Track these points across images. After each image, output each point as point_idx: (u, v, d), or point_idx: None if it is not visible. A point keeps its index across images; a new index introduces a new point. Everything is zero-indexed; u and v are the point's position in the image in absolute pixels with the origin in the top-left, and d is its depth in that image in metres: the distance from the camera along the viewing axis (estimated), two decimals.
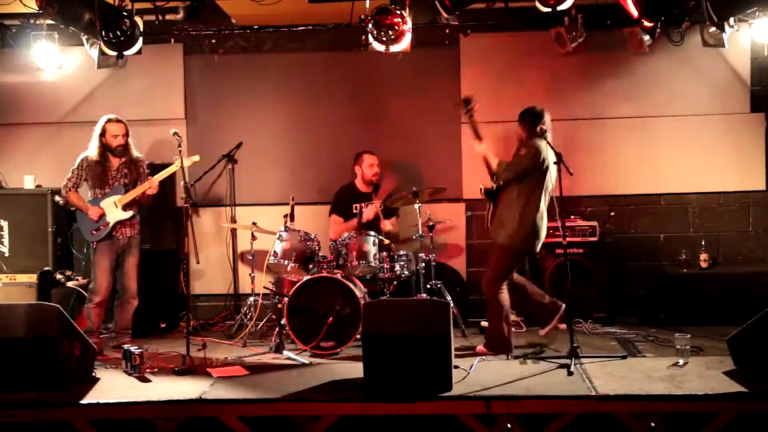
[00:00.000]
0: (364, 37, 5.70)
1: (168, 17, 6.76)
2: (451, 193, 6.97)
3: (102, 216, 6.01)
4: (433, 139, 7.28)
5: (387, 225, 6.72)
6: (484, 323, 6.73)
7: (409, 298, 6.12)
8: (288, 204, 6.31)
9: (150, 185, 6.06)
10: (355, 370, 4.77)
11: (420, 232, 6.40)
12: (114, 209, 6.03)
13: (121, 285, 6.15)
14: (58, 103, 7.34)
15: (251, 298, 6.72)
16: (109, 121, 6.09)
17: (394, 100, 7.28)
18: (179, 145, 5.53)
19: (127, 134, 6.11)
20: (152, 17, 6.48)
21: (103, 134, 6.07)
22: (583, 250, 6.71)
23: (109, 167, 6.10)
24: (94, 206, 6.04)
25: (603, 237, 6.88)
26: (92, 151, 6.10)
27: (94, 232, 6.04)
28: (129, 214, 6.07)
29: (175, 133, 5.61)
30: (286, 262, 6.10)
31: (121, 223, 6.06)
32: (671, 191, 7.19)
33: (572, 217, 6.87)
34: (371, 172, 6.70)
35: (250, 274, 6.75)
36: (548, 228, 5.71)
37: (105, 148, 6.08)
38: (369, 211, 6.56)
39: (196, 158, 6.28)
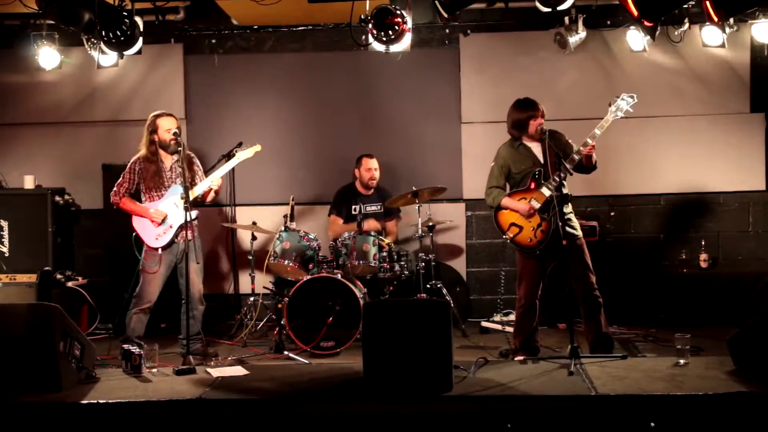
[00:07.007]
0: (364, 37, 5.70)
1: (168, 17, 6.79)
2: (451, 193, 6.97)
3: (164, 219, 5.62)
4: (433, 139, 7.28)
5: (388, 227, 6.73)
6: (485, 323, 6.75)
7: (409, 298, 6.12)
8: (288, 204, 6.30)
9: (214, 182, 5.65)
10: (355, 370, 4.76)
11: (420, 232, 6.39)
12: (175, 210, 5.60)
13: (185, 291, 5.62)
14: (58, 103, 7.34)
15: (251, 298, 6.72)
16: (158, 116, 5.69)
17: (394, 100, 7.28)
18: (179, 145, 5.52)
19: (179, 128, 5.68)
20: (152, 17, 6.49)
21: (154, 131, 5.65)
22: None
23: (162, 167, 5.72)
24: (156, 208, 5.64)
25: (603, 237, 6.88)
26: (143, 151, 5.71)
27: (157, 237, 5.61)
28: (195, 214, 5.54)
29: (176, 133, 5.60)
30: (286, 262, 6.10)
31: (182, 226, 5.59)
32: (671, 191, 7.20)
33: None
34: (368, 176, 6.71)
35: (250, 274, 6.75)
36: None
37: (158, 146, 5.67)
38: (370, 226, 6.52)
39: (258, 148, 5.84)
